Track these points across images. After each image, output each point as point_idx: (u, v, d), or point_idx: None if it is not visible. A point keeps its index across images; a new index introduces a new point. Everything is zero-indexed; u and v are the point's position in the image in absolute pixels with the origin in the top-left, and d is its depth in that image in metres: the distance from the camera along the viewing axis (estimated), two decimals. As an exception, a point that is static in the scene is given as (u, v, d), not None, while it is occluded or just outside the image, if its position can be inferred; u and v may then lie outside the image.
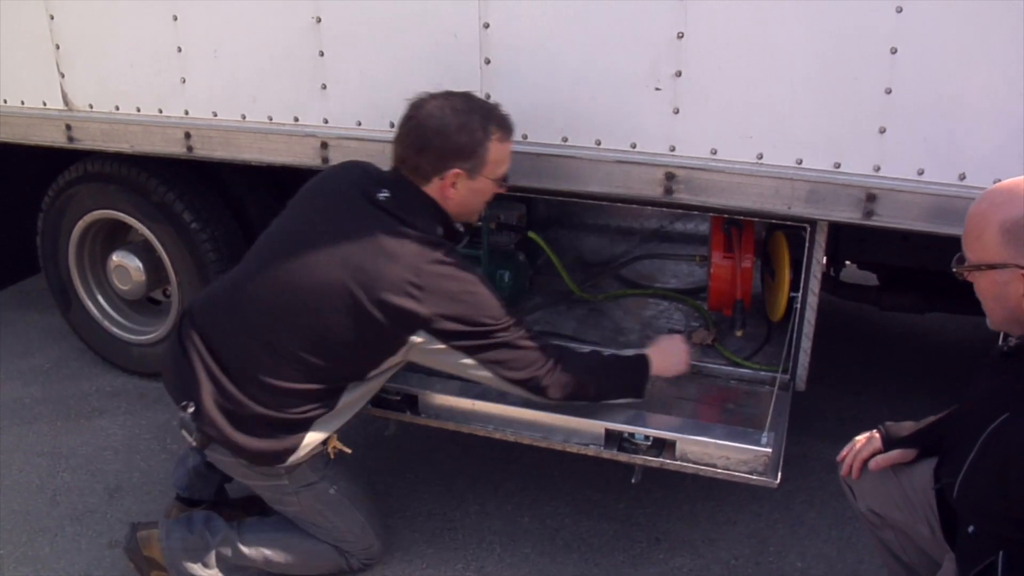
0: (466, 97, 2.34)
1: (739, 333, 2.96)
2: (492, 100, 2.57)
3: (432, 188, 2.33)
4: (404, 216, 2.26)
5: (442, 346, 2.25)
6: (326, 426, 2.40)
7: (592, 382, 2.42)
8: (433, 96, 2.33)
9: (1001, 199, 1.63)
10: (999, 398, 1.65)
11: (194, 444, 2.38)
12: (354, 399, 2.42)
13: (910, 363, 3.81)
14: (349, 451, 2.54)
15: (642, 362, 2.48)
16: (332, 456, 2.53)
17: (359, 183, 2.35)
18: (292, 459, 2.38)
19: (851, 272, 3.51)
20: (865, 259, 3.37)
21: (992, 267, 1.64)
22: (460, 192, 2.33)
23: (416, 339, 2.23)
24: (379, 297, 2.17)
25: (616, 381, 2.46)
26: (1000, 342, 1.71)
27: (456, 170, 2.29)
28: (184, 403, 2.35)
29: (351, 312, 2.20)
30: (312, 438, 2.38)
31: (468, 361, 2.29)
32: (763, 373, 2.79)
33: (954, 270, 1.74)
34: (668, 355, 2.57)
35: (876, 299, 3.34)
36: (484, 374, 2.32)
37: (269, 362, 2.29)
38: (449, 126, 2.26)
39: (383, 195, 2.30)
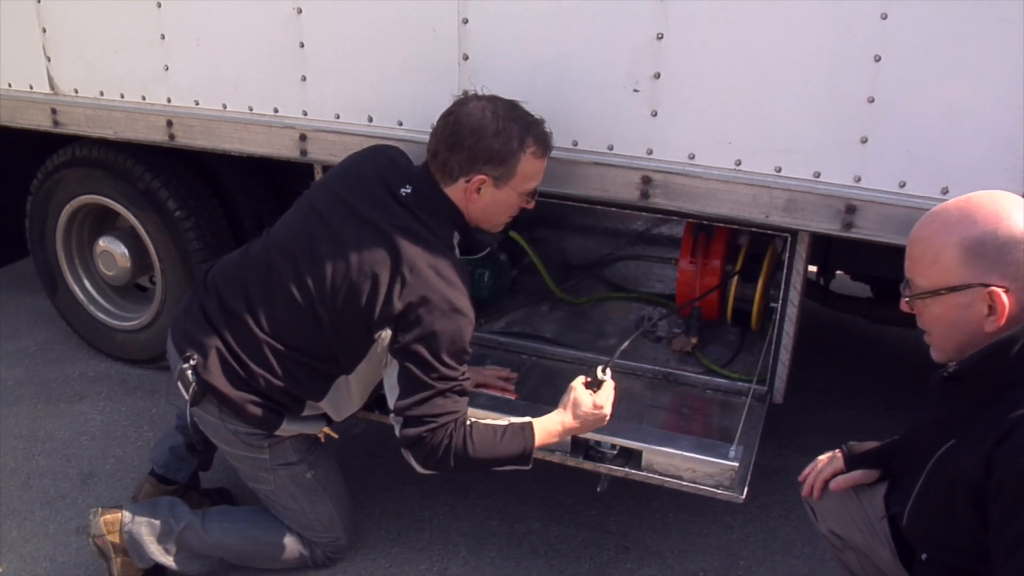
0: (511, 105, 2.28)
1: (693, 340, 2.91)
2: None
3: (456, 190, 2.29)
4: (421, 215, 2.25)
5: (388, 351, 2.22)
6: (325, 406, 2.42)
7: (472, 461, 2.25)
8: (479, 97, 2.30)
9: (953, 219, 1.56)
10: (944, 424, 1.60)
11: (186, 398, 2.37)
12: (348, 389, 2.41)
13: (897, 376, 3.73)
14: (336, 436, 2.55)
15: (523, 439, 2.27)
16: (322, 439, 2.53)
17: (385, 174, 2.34)
18: (282, 431, 2.39)
19: (843, 283, 3.44)
20: (857, 270, 3.30)
21: (953, 290, 1.56)
22: (484, 199, 2.30)
23: (384, 334, 2.21)
24: (375, 280, 2.16)
25: (495, 458, 2.27)
26: (943, 366, 1.63)
27: (483, 176, 2.25)
28: (188, 354, 2.35)
29: (349, 296, 2.20)
30: (308, 412, 2.40)
31: (390, 373, 2.24)
32: (740, 383, 2.74)
33: (905, 300, 1.66)
34: (582, 420, 2.32)
35: (867, 311, 3.28)
36: (393, 394, 2.25)
37: (276, 332, 2.30)
38: (486, 128, 2.22)
39: (405, 191, 2.29)
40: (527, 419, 2.31)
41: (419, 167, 2.36)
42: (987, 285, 1.52)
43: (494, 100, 2.28)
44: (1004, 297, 1.51)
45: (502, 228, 2.48)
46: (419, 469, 2.28)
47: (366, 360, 2.32)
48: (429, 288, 2.15)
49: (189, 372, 2.34)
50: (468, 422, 2.25)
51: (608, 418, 2.34)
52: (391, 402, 2.26)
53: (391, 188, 2.29)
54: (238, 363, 2.32)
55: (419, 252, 2.18)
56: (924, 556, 1.70)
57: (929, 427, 1.67)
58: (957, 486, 1.51)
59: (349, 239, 2.24)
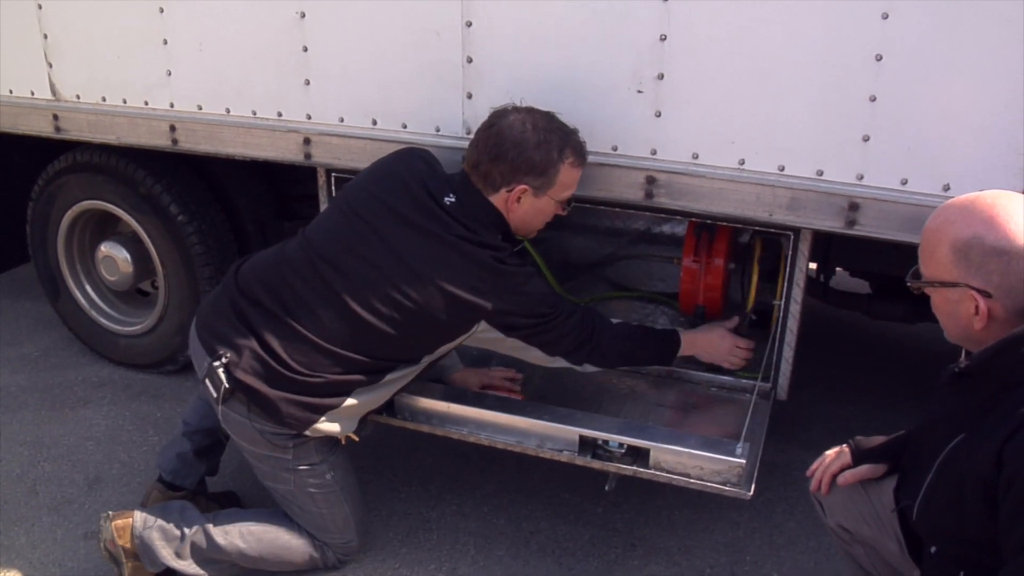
0: (549, 116, 2.37)
1: None
2: (474, 99, 2.56)
3: (498, 199, 2.38)
4: (468, 223, 2.32)
5: (500, 335, 2.38)
6: (363, 400, 2.44)
7: (627, 355, 2.61)
8: (517, 109, 2.37)
9: (954, 216, 1.60)
10: (954, 419, 1.62)
11: (215, 396, 2.38)
12: (397, 378, 2.47)
13: (899, 372, 3.77)
14: (357, 439, 2.56)
15: (672, 338, 2.67)
16: (343, 442, 2.55)
17: (425, 180, 2.38)
18: (311, 429, 2.40)
19: (843, 279, 3.47)
20: (856, 267, 3.33)
21: (944, 285, 1.61)
22: (524, 208, 2.39)
23: (477, 328, 2.35)
24: (447, 290, 2.26)
25: (648, 353, 2.67)
26: (963, 356, 1.67)
27: (524, 186, 2.34)
28: (221, 351, 2.37)
29: (418, 306, 2.28)
30: (347, 409, 2.42)
31: (520, 344, 2.43)
32: (745, 381, 2.76)
33: (908, 284, 1.72)
34: (706, 339, 2.72)
35: (866, 307, 3.30)
36: (535, 353, 2.46)
37: (324, 333, 2.33)
38: (528, 141, 2.30)
39: (449, 200, 2.34)
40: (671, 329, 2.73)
41: (458, 175, 2.43)
42: (971, 287, 1.56)
43: (532, 112, 2.36)
44: (982, 302, 1.55)
45: (535, 234, 2.56)
46: (587, 371, 2.59)
47: (435, 352, 2.45)
48: (505, 275, 2.30)
49: (221, 370, 2.36)
50: (607, 332, 2.53)
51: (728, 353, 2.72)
52: (543, 359, 2.49)
53: (434, 196, 2.35)
54: (276, 361, 2.33)
55: (482, 252, 2.29)
56: (934, 549, 1.71)
57: (939, 422, 1.69)
58: (967, 480, 1.53)
59: (407, 249, 2.30)
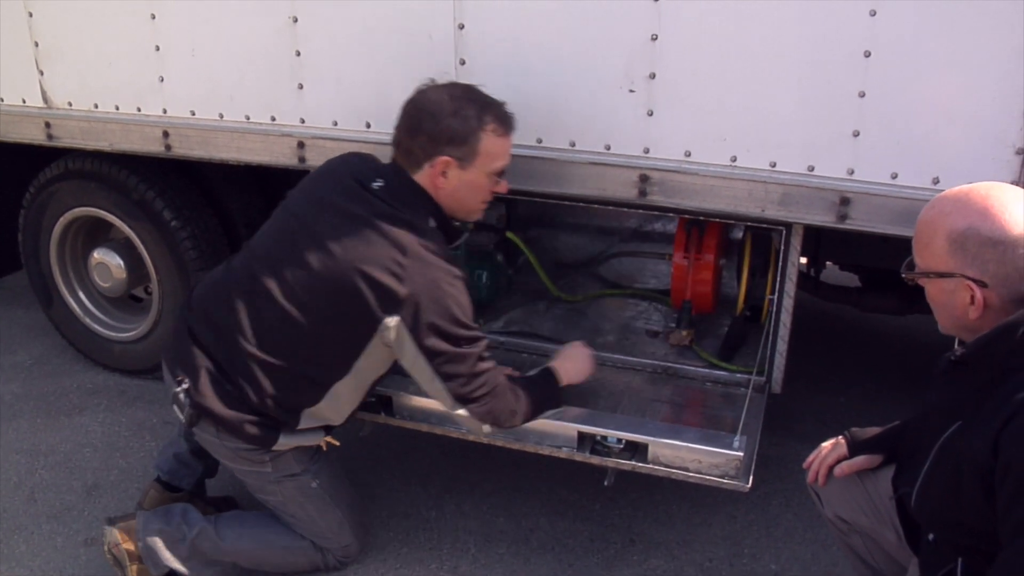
0: (469, 88, 2.32)
1: (685, 334, 2.95)
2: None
3: (424, 177, 2.31)
4: (395, 204, 2.26)
5: (411, 341, 2.21)
6: (320, 416, 2.42)
7: (525, 408, 2.40)
8: (437, 85, 2.33)
9: (948, 208, 1.63)
10: (951, 408, 1.65)
11: (183, 421, 2.39)
12: (345, 392, 2.39)
13: (890, 364, 3.81)
14: (337, 443, 2.56)
15: (552, 377, 2.51)
16: (324, 448, 2.55)
17: (356, 173, 2.35)
18: (279, 445, 2.39)
19: (832, 273, 3.51)
20: (846, 260, 3.37)
21: (940, 275, 1.64)
22: (451, 183, 2.30)
23: (391, 322, 2.20)
24: (361, 269, 2.17)
25: (540, 402, 2.45)
26: (956, 346, 1.70)
27: (446, 157, 2.26)
28: (180, 378, 2.37)
29: (335, 289, 2.21)
30: (305, 425, 2.40)
31: (426, 368, 2.25)
32: (739, 375, 2.79)
33: (903, 275, 1.74)
34: (574, 363, 2.60)
35: (856, 300, 3.34)
36: (436, 386, 2.29)
37: (263, 344, 2.31)
38: (444, 110, 2.25)
39: (377, 184, 2.29)
40: (543, 368, 2.55)
41: (388, 163, 2.39)
42: (967, 277, 1.59)
43: (452, 85, 2.32)
44: (978, 292, 1.58)
45: (478, 216, 2.48)
46: (483, 433, 2.41)
47: (364, 356, 2.31)
48: (428, 265, 2.19)
49: (182, 395, 2.36)
50: (510, 384, 2.38)
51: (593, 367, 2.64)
52: (441, 393, 2.30)
53: (363, 182, 2.30)
54: (228, 381, 2.34)
55: (405, 234, 2.20)
56: (931, 536, 1.74)
57: (935, 411, 1.72)
58: (964, 467, 1.56)
59: (329, 233, 2.24)
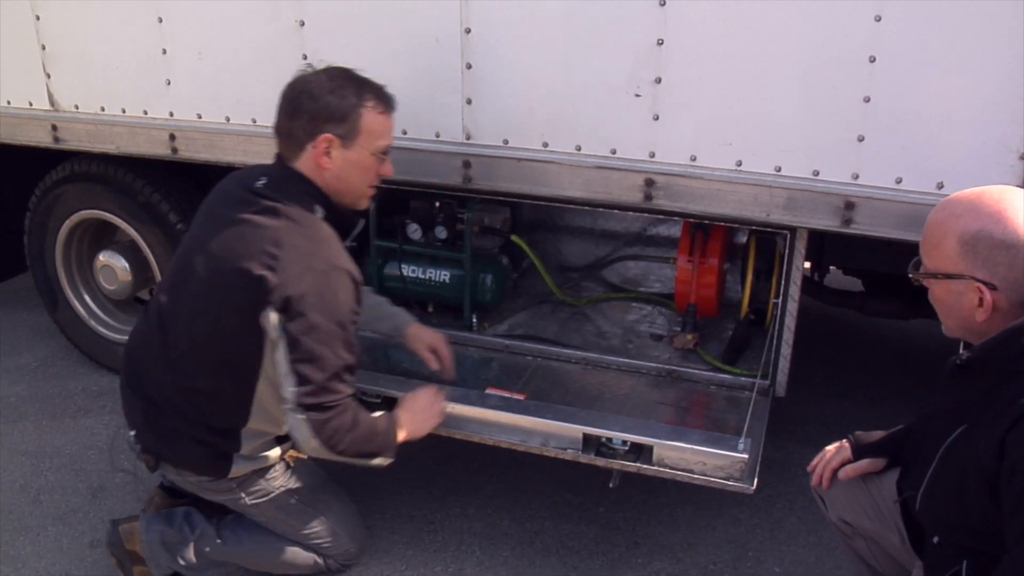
0: (346, 70, 2.30)
1: (690, 337, 2.97)
2: (474, 105, 2.58)
3: (306, 160, 2.27)
4: (278, 198, 2.22)
5: (280, 332, 2.13)
6: (259, 432, 2.38)
7: (358, 441, 2.28)
8: (316, 70, 2.31)
9: (960, 210, 1.64)
10: (957, 410, 1.66)
11: (144, 466, 2.45)
12: (269, 399, 2.30)
13: (894, 368, 3.82)
14: (304, 456, 2.51)
15: (392, 427, 2.38)
16: (291, 463, 2.52)
17: (242, 180, 2.35)
18: (235, 471, 2.38)
19: (836, 277, 3.52)
20: (850, 265, 3.38)
21: (948, 277, 1.65)
22: (335, 162, 2.26)
23: (271, 315, 2.13)
24: (239, 267, 2.15)
25: (372, 444, 2.33)
26: (961, 350, 1.71)
27: (328, 135, 2.22)
28: (131, 424, 2.42)
29: (222, 294, 2.20)
30: (249, 445, 2.37)
31: (283, 361, 2.15)
32: (743, 378, 2.80)
33: (910, 275, 1.75)
34: (415, 417, 2.47)
35: (860, 305, 3.35)
36: (286, 380, 2.17)
37: (180, 373, 2.31)
38: (321, 89, 2.22)
39: (260, 183, 2.28)
40: (388, 413, 2.42)
41: (273, 161, 2.37)
42: (977, 279, 1.60)
43: (329, 68, 2.30)
44: (988, 294, 1.59)
45: (367, 201, 2.42)
46: (308, 447, 2.24)
47: (268, 359, 2.24)
48: (305, 255, 2.15)
49: (135, 442, 2.40)
50: (359, 408, 2.28)
51: (438, 418, 2.52)
52: (286, 390, 2.17)
53: (248, 186, 2.29)
54: (165, 419, 2.35)
55: (280, 225, 2.18)
56: (936, 539, 1.75)
57: (941, 413, 1.73)
58: (969, 470, 1.57)
59: (214, 244, 2.23)
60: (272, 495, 2.48)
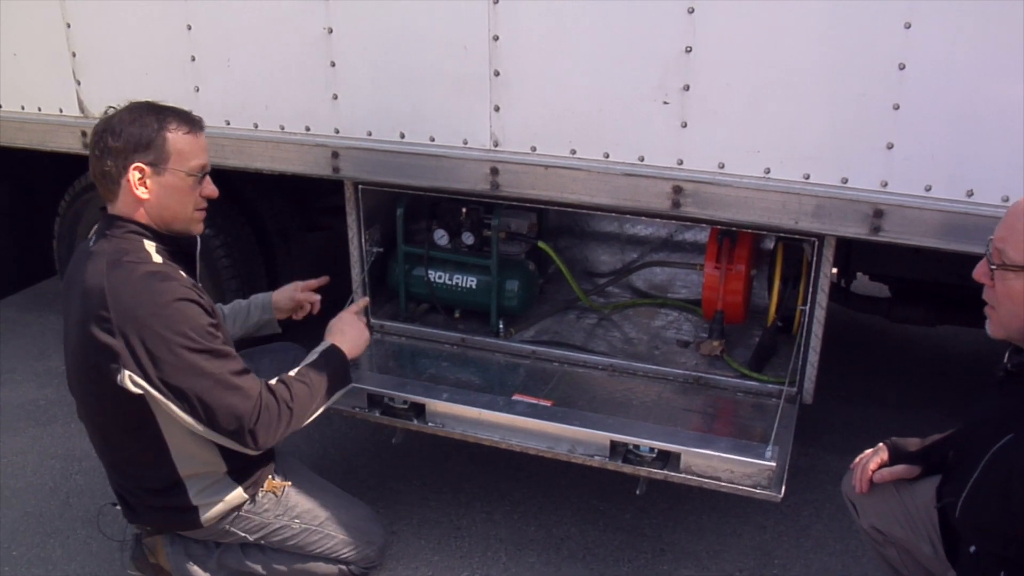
0: (147, 102, 2.26)
1: (716, 344, 2.96)
2: (501, 112, 2.59)
3: (125, 199, 2.20)
4: (103, 248, 2.17)
5: (152, 390, 2.11)
6: (201, 475, 2.34)
7: (306, 406, 2.31)
8: (117, 109, 2.26)
9: None
10: (1004, 419, 1.65)
11: (137, 536, 2.53)
12: (188, 445, 2.27)
13: (920, 375, 3.80)
14: (289, 483, 2.49)
15: (334, 354, 2.46)
16: (278, 494, 2.49)
17: (87, 241, 2.30)
18: (207, 518, 2.37)
19: (862, 283, 3.50)
20: (876, 271, 3.37)
21: None
22: (152, 191, 2.19)
23: (129, 377, 2.09)
24: (84, 335, 2.12)
25: (327, 385, 2.38)
26: (1005, 359, 1.69)
27: (137, 164, 2.16)
28: (115, 498, 2.47)
29: (83, 364, 2.19)
30: (197, 492, 2.34)
31: (185, 416, 2.14)
32: (770, 385, 2.79)
33: (992, 266, 1.69)
34: (349, 334, 2.55)
35: (887, 311, 3.34)
36: (192, 424, 2.15)
37: (106, 443, 2.35)
38: (122, 123, 2.18)
39: (92, 242, 2.25)
40: (323, 346, 2.48)
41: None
42: None
43: (130, 103, 2.26)
44: None
45: (199, 226, 2.36)
46: (276, 444, 2.29)
47: (153, 411, 2.20)
48: (128, 307, 2.09)
49: (121, 515, 2.48)
50: (273, 381, 2.27)
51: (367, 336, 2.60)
52: (215, 435, 2.19)
53: (86, 246, 2.25)
54: (126, 491, 2.40)
55: (106, 283, 2.11)
56: (973, 549, 1.74)
57: (986, 422, 1.72)
58: (1014, 479, 1.55)
59: (69, 314, 2.23)
60: (273, 525, 2.48)
